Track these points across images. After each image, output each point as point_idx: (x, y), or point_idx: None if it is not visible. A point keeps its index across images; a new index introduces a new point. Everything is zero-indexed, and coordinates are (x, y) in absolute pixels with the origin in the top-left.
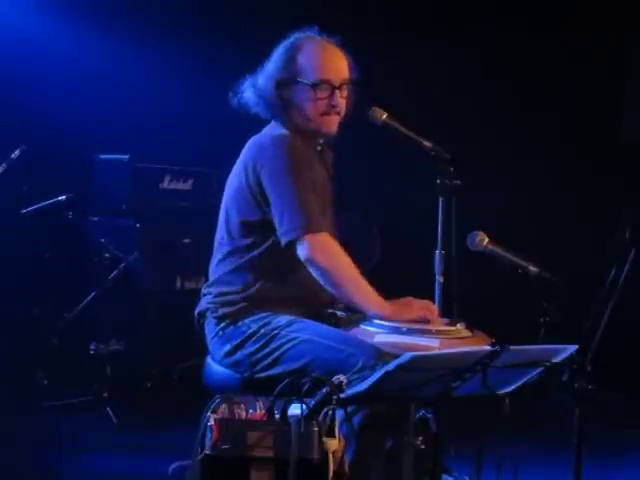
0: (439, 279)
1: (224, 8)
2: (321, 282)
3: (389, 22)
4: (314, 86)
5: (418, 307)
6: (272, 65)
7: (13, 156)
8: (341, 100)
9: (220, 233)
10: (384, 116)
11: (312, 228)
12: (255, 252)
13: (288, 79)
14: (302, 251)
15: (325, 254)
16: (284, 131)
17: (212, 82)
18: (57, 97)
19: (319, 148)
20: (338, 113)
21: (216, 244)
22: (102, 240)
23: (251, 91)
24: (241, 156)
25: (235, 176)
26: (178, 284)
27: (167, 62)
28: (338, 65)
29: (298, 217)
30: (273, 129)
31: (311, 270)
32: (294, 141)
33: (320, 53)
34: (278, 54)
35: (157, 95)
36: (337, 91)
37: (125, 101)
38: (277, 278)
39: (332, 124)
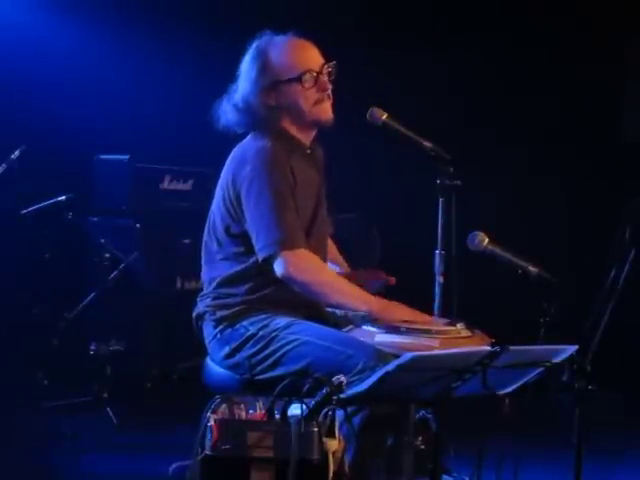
0: (439, 279)
1: (224, 9)
2: (305, 295)
3: (389, 23)
4: (298, 79)
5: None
6: (246, 79)
7: (13, 156)
8: (327, 82)
9: (208, 239)
10: (384, 116)
11: (288, 245)
12: (247, 260)
13: (270, 84)
14: (278, 268)
15: (300, 270)
16: (266, 142)
17: (212, 82)
18: (57, 97)
19: (308, 151)
20: (329, 97)
21: (204, 249)
22: (102, 240)
23: (233, 112)
24: (226, 166)
25: (220, 187)
26: (178, 284)
27: (167, 62)
28: (310, 52)
29: (274, 233)
30: (256, 139)
31: (290, 285)
32: (276, 153)
33: (289, 48)
34: (248, 67)
35: (157, 95)
36: (320, 75)
37: (125, 101)
38: (273, 282)
39: (327, 110)
